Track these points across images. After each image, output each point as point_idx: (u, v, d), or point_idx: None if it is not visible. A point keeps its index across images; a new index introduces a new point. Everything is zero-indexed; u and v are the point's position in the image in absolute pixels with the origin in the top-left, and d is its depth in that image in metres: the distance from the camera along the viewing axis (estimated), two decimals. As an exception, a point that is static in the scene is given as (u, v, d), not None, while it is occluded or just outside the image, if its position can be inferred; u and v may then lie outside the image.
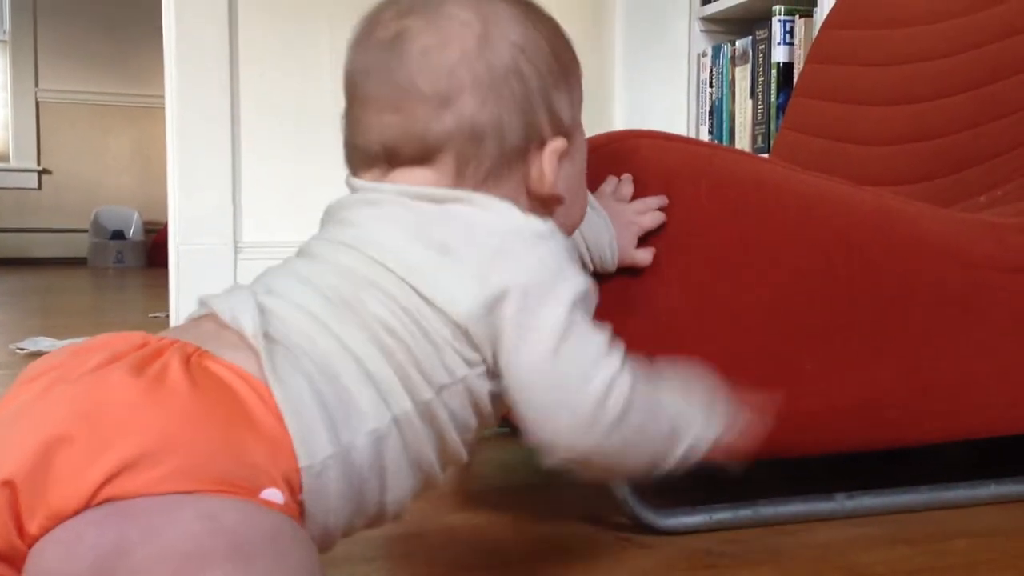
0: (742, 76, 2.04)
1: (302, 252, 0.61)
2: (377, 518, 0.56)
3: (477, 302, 0.54)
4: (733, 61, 2.07)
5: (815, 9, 1.84)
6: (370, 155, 0.60)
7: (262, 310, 0.53)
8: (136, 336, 0.50)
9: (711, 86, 2.15)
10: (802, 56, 1.88)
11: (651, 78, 2.21)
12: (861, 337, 0.84)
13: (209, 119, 2.28)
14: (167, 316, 2.32)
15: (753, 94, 1.99)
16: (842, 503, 0.89)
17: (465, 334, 0.55)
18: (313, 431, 0.49)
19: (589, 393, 0.56)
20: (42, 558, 0.43)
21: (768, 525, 0.85)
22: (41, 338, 2.03)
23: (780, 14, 1.91)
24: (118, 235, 5.66)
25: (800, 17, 1.91)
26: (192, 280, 2.26)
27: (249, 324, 0.51)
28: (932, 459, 1.07)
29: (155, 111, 5.33)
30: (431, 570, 0.76)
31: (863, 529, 0.86)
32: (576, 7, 2.41)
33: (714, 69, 2.14)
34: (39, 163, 5.73)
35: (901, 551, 0.81)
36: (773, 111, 1.93)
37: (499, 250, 0.56)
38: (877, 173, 1.21)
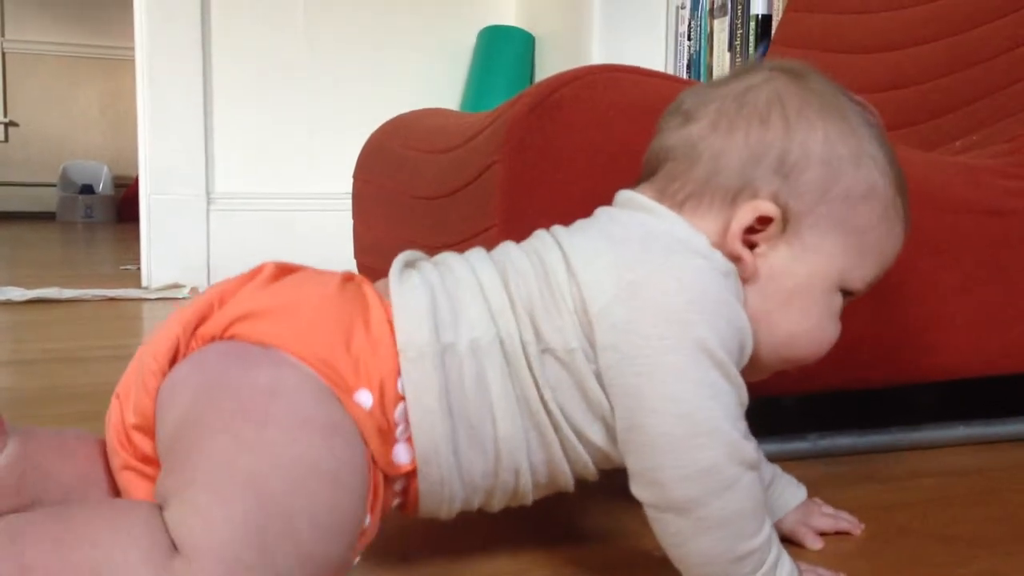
0: (720, 28, 2.02)
1: None
2: (497, 485, 0.56)
3: (617, 299, 0.53)
4: (711, 13, 2.06)
5: (794, -39, 1.83)
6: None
7: (419, 258, 0.61)
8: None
9: (689, 39, 2.14)
10: (781, 8, 1.87)
11: (628, 31, 2.20)
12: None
13: (180, 69, 2.24)
14: (138, 268, 2.30)
15: (731, 47, 1.99)
16: (815, 443, 0.90)
17: (587, 320, 0.54)
18: (416, 325, 0.54)
19: (719, 439, 0.51)
20: (178, 369, 0.52)
21: (742, 463, 0.86)
22: (9, 288, 2.00)
23: (759, -34, 1.90)
24: (87, 189, 5.59)
25: (779, -31, 1.90)
26: (164, 231, 2.24)
27: (399, 257, 0.59)
28: (904, 401, 1.08)
29: (125, 63, 5.24)
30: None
31: (835, 468, 0.87)
32: (554, -42, 2.39)
33: (692, 21, 2.13)
34: (5, 115, 5.63)
35: (872, 488, 0.82)
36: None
37: (665, 263, 0.54)
38: (854, 120, 1.20)
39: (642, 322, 0.53)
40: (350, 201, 1.35)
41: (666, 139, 0.60)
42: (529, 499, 0.59)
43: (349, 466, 0.50)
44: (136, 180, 2.34)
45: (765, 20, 1.90)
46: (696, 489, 0.51)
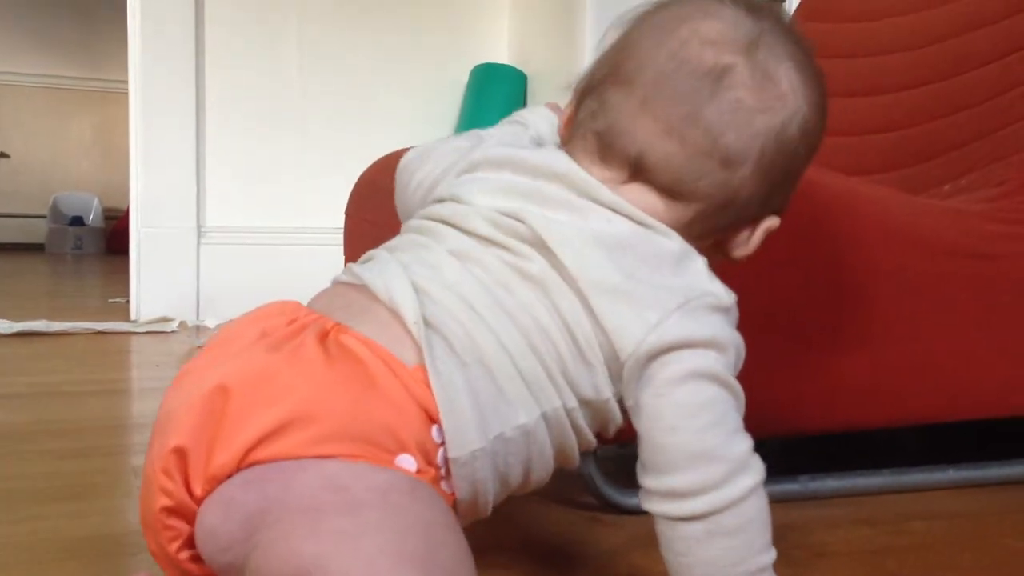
0: (710, 69, 2.05)
1: (455, 220, 0.59)
2: (519, 489, 0.58)
3: (645, 344, 0.54)
4: (701, 54, 2.08)
5: None
6: (618, 154, 0.59)
7: (416, 290, 0.54)
8: (289, 308, 0.54)
9: (679, 79, 2.16)
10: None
11: (620, 70, 2.22)
12: (824, 322, 0.85)
13: (173, 102, 2.25)
14: (127, 301, 2.29)
15: (720, 87, 2.01)
16: (805, 484, 0.90)
17: (617, 365, 0.55)
18: (464, 424, 0.51)
19: (731, 453, 0.54)
20: (204, 518, 0.48)
21: (732, 505, 0.86)
22: (-3, 320, 1.99)
23: (749, 8, 1.92)
24: (77, 221, 5.58)
25: (768, 11, 1.92)
26: (154, 264, 2.24)
27: (409, 310, 0.53)
28: (893, 444, 1.08)
29: (116, 96, 5.25)
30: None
31: (825, 510, 0.87)
32: (546, -2, 2.41)
33: (682, 62, 2.15)
34: (-4, 146, 5.63)
35: (862, 531, 0.82)
36: (740, 105, 1.94)
37: (684, 305, 0.55)
38: (843, 163, 1.22)
39: (664, 357, 0.54)
40: (341, 236, 1.35)
41: (708, 179, 0.58)
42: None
43: (441, 505, 0.50)
44: (126, 212, 2.33)
45: (754, 62, 1.92)
46: (710, 501, 0.53)
